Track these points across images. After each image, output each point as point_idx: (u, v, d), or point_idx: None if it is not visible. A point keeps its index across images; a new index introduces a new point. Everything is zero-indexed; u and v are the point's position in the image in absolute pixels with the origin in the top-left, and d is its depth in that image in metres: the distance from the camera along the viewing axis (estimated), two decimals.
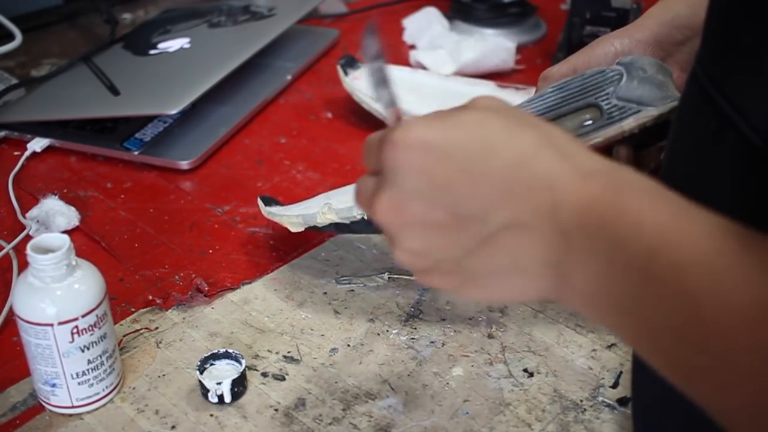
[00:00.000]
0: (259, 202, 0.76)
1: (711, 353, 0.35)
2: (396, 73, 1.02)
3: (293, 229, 0.73)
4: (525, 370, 0.65)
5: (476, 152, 0.41)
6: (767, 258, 0.35)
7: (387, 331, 0.69)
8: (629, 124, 0.62)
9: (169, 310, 0.71)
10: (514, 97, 0.97)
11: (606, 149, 0.63)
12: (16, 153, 0.93)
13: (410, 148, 0.42)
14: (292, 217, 0.73)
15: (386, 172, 0.43)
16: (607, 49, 0.66)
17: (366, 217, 0.69)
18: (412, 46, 1.17)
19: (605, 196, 0.39)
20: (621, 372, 0.65)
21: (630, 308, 0.38)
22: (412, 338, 0.68)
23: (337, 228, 0.72)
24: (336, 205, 0.71)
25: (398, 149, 0.42)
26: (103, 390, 0.61)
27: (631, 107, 0.62)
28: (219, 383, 0.61)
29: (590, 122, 0.63)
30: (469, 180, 0.41)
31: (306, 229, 0.72)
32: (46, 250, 0.57)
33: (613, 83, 0.63)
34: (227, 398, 0.61)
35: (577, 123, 0.64)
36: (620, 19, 1.03)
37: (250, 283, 0.74)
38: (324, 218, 0.71)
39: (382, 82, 0.46)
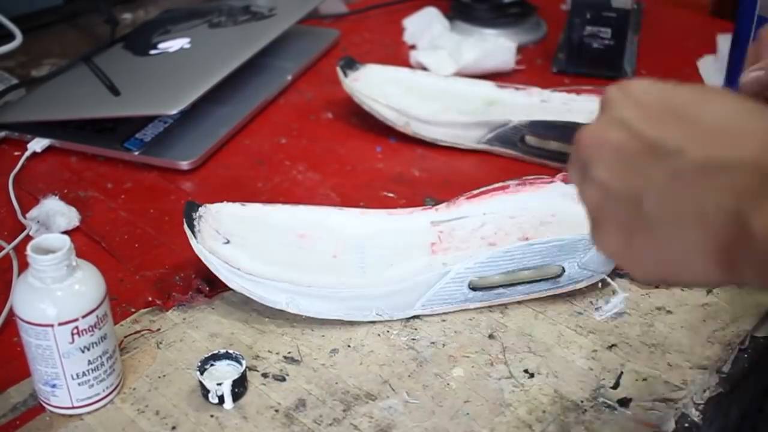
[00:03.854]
0: None
1: None
2: (396, 73, 1.02)
3: None
4: (525, 371, 0.65)
5: (692, 97, 0.43)
6: None
7: (387, 331, 0.69)
8: None
9: (170, 311, 0.71)
10: (515, 96, 0.97)
11: None
12: (16, 153, 0.93)
13: (635, 86, 0.45)
14: None
15: (604, 104, 0.45)
16: None
17: None
18: (413, 47, 1.17)
19: None
20: (621, 373, 0.65)
21: None
22: (413, 339, 0.68)
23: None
24: None
25: (624, 86, 0.45)
26: (104, 391, 0.61)
27: None
28: (219, 384, 0.61)
29: None
30: (679, 118, 0.42)
31: None
32: (46, 251, 0.57)
33: None
34: (228, 399, 0.61)
35: None
36: (620, 20, 1.03)
37: None
38: None
39: None
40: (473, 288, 0.70)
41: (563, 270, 0.71)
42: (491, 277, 0.70)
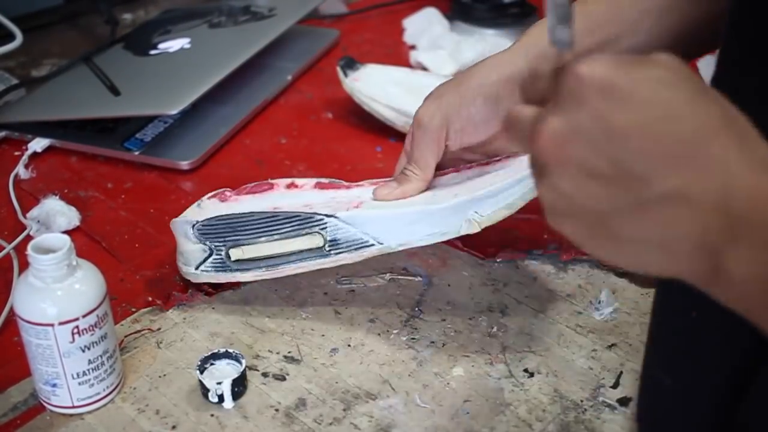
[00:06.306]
0: None
1: None
2: (396, 73, 1.02)
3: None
4: (525, 371, 0.65)
5: (660, 112, 0.39)
6: None
7: (387, 331, 0.69)
8: None
9: (170, 310, 0.71)
10: None
11: None
12: (16, 153, 0.93)
13: (594, 85, 0.40)
14: None
15: (562, 101, 0.41)
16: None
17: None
18: (413, 47, 1.17)
19: None
20: (621, 372, 0.65)
21: None
22: (413, 338, 0.68)
23: None
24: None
25: (582, 82, 0.40)
26: (104, 390, 0.61)
27: None
28: (219, 383, 0.61)
29: None
30: (646, 137, 0.39)
31: None
32: (46, 251, 0.57)
33: None
34: (228, 398, 0.61)
35: None
36: None
37: (250, 283, 0.74)
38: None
39: (565, 18, 0.44)
40: None
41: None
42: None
